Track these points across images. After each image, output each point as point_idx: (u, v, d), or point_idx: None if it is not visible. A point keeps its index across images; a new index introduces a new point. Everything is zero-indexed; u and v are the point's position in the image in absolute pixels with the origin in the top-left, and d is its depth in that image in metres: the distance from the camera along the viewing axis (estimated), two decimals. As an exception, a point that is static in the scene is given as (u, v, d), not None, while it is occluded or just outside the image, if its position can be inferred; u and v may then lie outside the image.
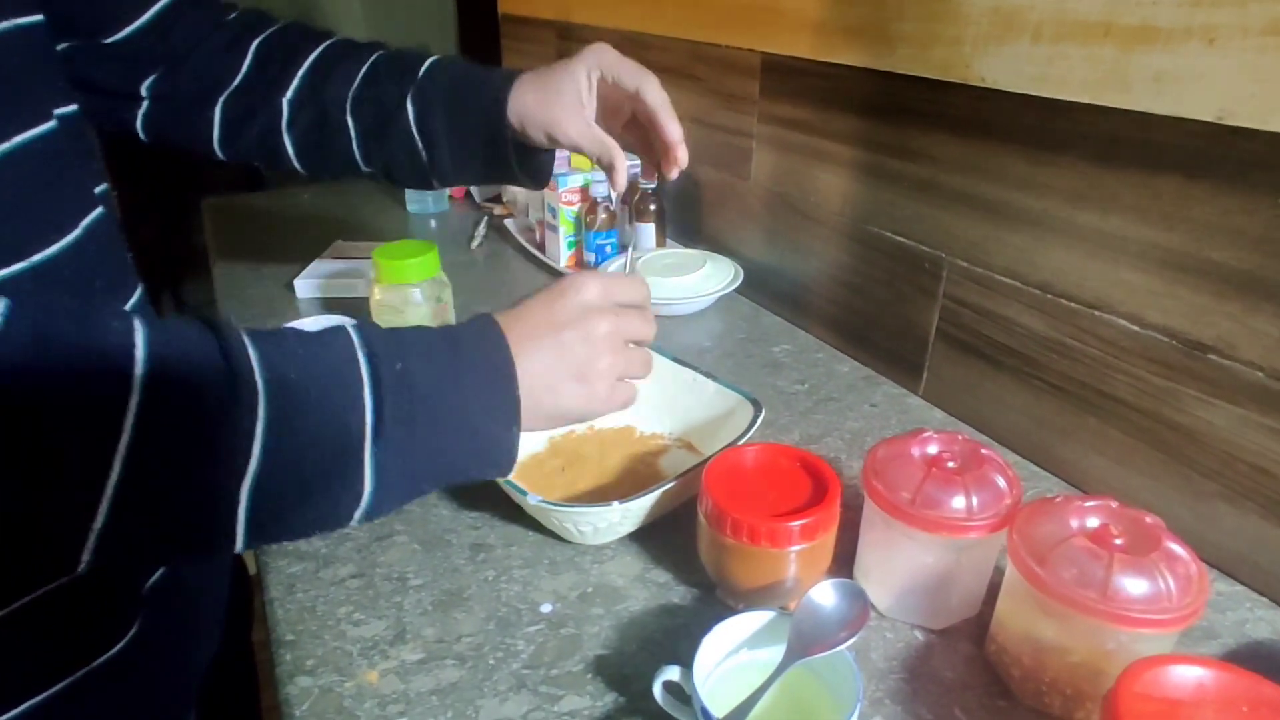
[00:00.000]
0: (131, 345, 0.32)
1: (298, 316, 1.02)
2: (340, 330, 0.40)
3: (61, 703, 0.47)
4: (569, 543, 0.62)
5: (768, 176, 0.98)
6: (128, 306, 0.52)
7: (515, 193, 1.35)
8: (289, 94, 0.68)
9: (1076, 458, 0.68)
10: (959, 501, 0.50)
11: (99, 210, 0.50)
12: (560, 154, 1.18)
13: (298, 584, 0.58)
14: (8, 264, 0.41)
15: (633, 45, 1.21)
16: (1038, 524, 0.48)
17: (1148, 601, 0.43)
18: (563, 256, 1.14)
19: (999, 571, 0.55)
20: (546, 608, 0.56)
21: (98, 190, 0.51)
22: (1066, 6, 0.61)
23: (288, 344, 0.38)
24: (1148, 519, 0.46)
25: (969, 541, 0.50)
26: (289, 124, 0.69)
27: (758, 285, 1.03)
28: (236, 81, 0.68)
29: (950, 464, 0.53)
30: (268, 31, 0.71)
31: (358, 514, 0.39)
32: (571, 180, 1.11)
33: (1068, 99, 0.62)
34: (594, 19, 1.32)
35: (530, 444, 0.72)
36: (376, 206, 1.47)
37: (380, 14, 2.89)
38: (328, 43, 0.71)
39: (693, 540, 0.58)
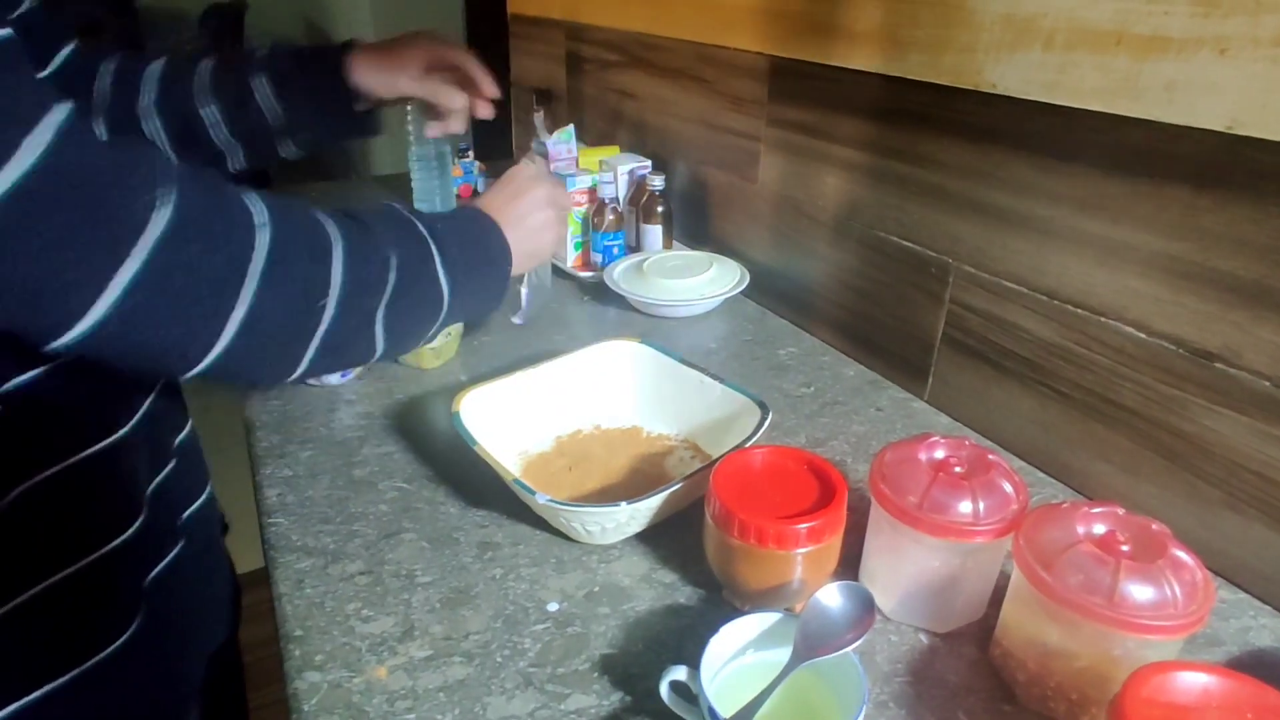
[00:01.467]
0: (325, 219, 0.49)
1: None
2: (393, 209, 0.55)
3: (66, 695, 0.47)
4: (576, 542, 0.62)
5: (775, 179, 0.99)
6: None
7: (522, 192, 1.35)
8: (145, 101, 0.70)
9: (1082, 464, 0.68)
10: (966, 506, 0.50)
11: None
12: (568, 155, 1.19)
13: (306, 580, 0.58)
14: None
15: (641, 47, 1.21)
16: (1044, 530, 0.48)
17: (1154, 608, 0.43)
18: (570, 256, 1.14)
19: (1004, 576, 0.55)
20: (553, 606, 0.56)
21: None
22: (1079, 15, 0.61)
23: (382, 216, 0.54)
24: (1154, 526, 0.47)
25: (975, 546, 0.50)
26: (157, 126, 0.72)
27: (764, 288, 1.04)
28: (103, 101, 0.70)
29: (957, 469, 0.53)
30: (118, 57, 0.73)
31: (442, 314, 0.55)
32: (580, 181, 1.11)
33: (1079, 107, 0.62)
34: (602, 20, 1.32)
35: (537, 444, 0.72)
36: (384, 204, 1.47)
37: (388, 13, 2.89)
38: (164, 58, 0.74)
39: (699, 541, 0.58)
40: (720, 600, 0.57)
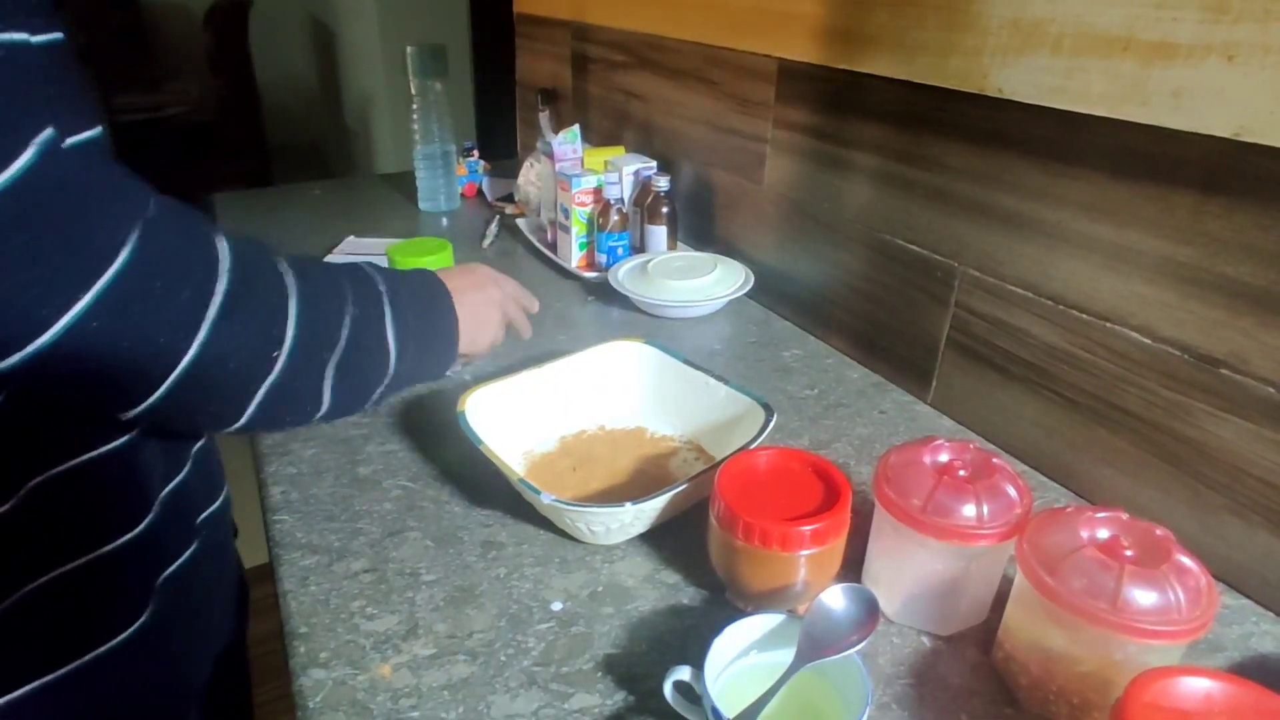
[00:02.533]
0: (285, 268, 0.50)
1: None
2: (357, 266, 0.57)
3: (69, 684, 0.48)
4: (580, 542, 0.62)
5: (781, 181, 0.99)
6: None
7: (528, 192, 1.36)
8: None
9: (1086, 469, 0.68)
10: (969, 510, 0.50)
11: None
12: (573, 155, 1.19)
13: (311, 577, 0.58)
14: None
15: (648, 48, 1.22)
16: (1048, 534, 0.48)
17: (1157, 613, 0.43)
18: (574, 257, 1.15)
19: (1007, 579, 0.55)
20: (557, 606, 0.57)
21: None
22: (1086, 20, 0.61)
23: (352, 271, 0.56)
24: (1158, 531, 0.47)
25: (978, 550, 0.51)
26: None
27: (769, 289, 1.04)
28: None
29: (961, 472, 0.53)
30: None
31: (388, 376, 0.56)
32: (585, 181, 1.11)
33: (1085, 112, 0.63)
34: (609, 20, 1.33)
35: (542, 444, 0.73)
36: (388, 204, 1.47)
37: (394, 13, 2.90)
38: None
39: (703, 542, 0.58)
40: (723, 601, 0.57)
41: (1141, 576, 0.44)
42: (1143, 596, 0.44)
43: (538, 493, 0.57)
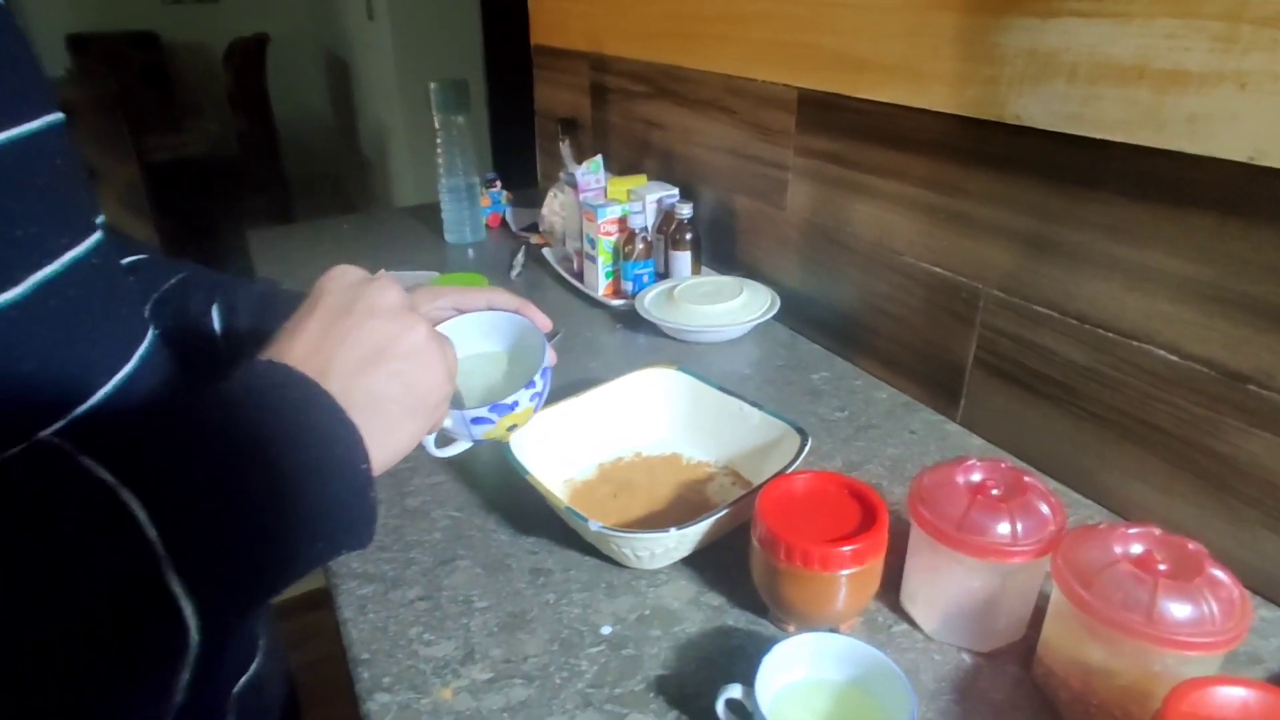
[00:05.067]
0: None
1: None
2: (53, 456, 0.31)
3: None
4: (625, 567, 0.65)
5: (804, 207, 1.02)
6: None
7: (552, 221, 1.40)
8: None
9: (1117, 484, 0.70)
10: (1004, 528, 0.53)
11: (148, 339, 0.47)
12: (596, 185, 1.23)
13: (369, 605, 0.61)
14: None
15: (667, 78, 1.26)
16: (1082, 550, 0.50)
17: (1193, 625, 0.45)
18: (600, 285, 1.18)
19: (1043, 596, 0.57)
20: (606, 629, 0.59)
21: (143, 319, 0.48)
22: (1100, 50, 0.64)
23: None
24: (1190, 545, 0.49)
25: (1014, 567, 0.53)
26: None
27: (795, 312, 1.07)
28: None
29: (994, 491, 0.56)
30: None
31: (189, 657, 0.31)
32: (610, 211, 1.15)
33: (1103, 137, 0.65)
34: (627, 51, 1.37)
35: (582, 472, 0.76)
36: (415, 236, 1.52)
37: (409, 46, 2.98)
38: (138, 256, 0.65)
39: (743, 564, 0.61)
40: (767, 621, 0.60)
41: (1176, 590, 0.46)
42: (1178, 609, 0.46)
43: (585, 520, 0.60)
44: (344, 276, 0.45)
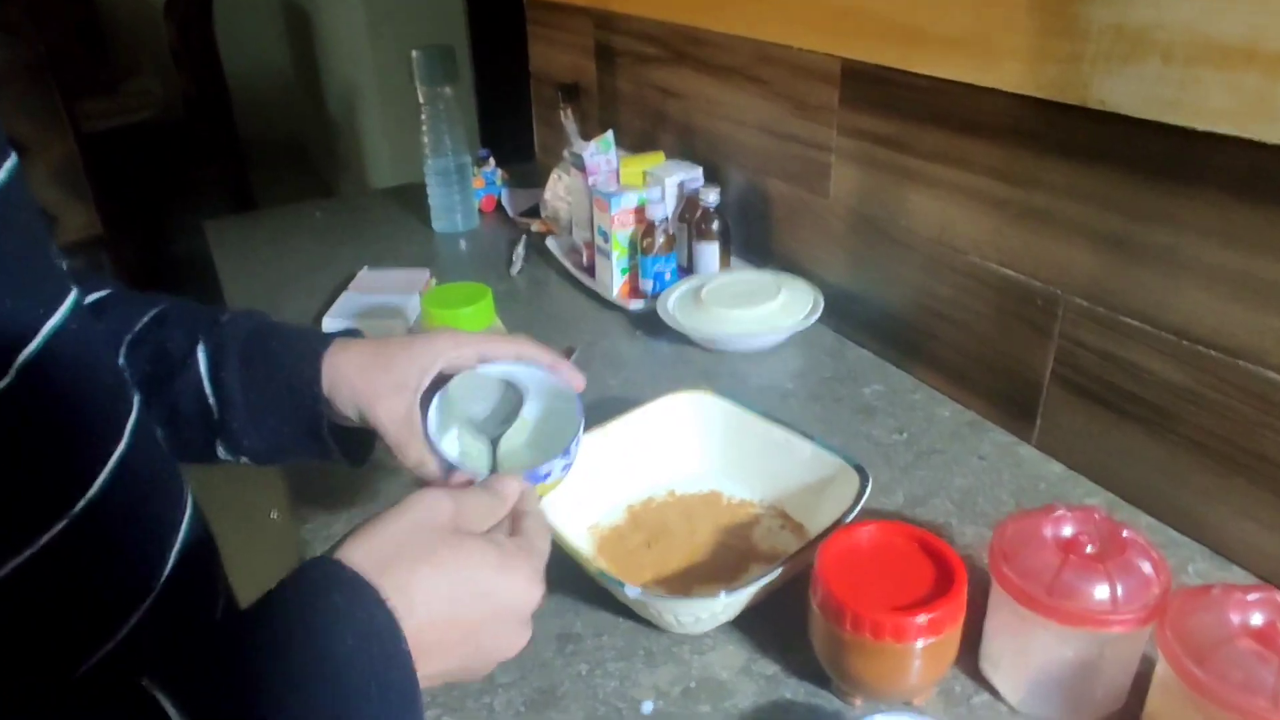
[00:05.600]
0: None
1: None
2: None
3: None
4: (663, 631, 0.66)
5: (850, 194, 1.02)
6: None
7: (556, 207, 1.39)
8: None
9: (1221, 521, 0.71)
10: (1101, 592, 0.53)
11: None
12: (607, 167, 1.23)
13: (379, 684, 0.62)
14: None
15: (686, 41, 1.25)
16: (1193, 619, 0.51)
17: (1322, 709, 0.45)
18: (615, 284, 1.18)
19: (1147, 659, 0.57)
20: (648, 707, 0.60)
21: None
22: (1199, 28, 0.63)
23: None
24: (1317, 614, 0.49)
25: (1114, 635, 0.53)
26: None
27: (841, 313, 1.07)
28: None
29: (1089, 548, 0.56)
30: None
31: None
32: (625, 200, 1.15)
33: (1204, 129, 0.65)
34: (638, 8, 1.36)
35: (608, 515, 0.76)
36: (398, 225, 1.52)
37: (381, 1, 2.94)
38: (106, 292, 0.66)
39: (799, 624, 0.61)
40: (829, 693, 0.61)
41: (1303, 669, 0.46)
42: (1305, 690, 0.46)
43: (621, 585, 0.61)
44: (488, 556, 0.46)
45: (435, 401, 0.62)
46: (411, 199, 1.58)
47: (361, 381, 0.62)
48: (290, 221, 1.56)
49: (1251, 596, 0.51)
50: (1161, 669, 0.52)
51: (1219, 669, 0.48)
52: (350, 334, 0.67)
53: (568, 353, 0.96)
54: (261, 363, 0.63)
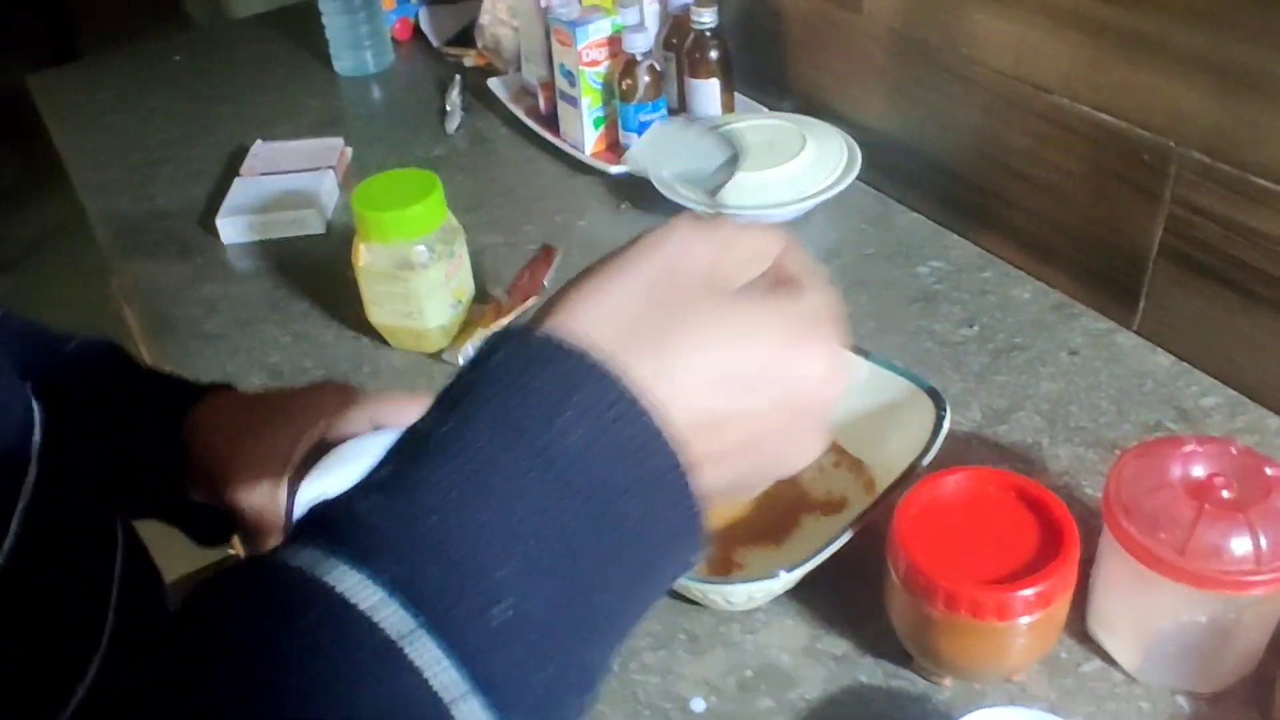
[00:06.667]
0: None
1: (231, 281, 1.06)
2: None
3: None
4: (705, 608, 0.69)
5: (892, 9, 0.99)
6: None
7: (496, 34, 1.34)
8: None
9: (1368, 424, 0.74)
10: (1242, 546, 0.56)
11: None
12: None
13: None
14: None
15: None
16: (1352, 575, 0.54)
17: None
18: (588, 140, 1.16)
19: (1285, 613, 0.62)
20: (699, 705, 0.64)
21: None
22: None
23: None
24: None
25: (1254, 598, 0.57)
26: None
27: (884, 168, 1.06)
28: None
29: (1225, 493, 0.59)
30: None
31: None
32: (593, 28, 1.11)
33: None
34: None
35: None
36: (289, 70, 1.46)
37: None
38: None
39: (868, 585, 0.65)
40: (911, 672, 0.65)
41: None
42: None
43: (658, 569, 0.63)
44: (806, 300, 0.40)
45: (308, 481, 0.61)
46: (300, 30, 1.52)
47: (222, 447, 0.62)
48: (142, 69, 1.50)
49: None
50: (1311, 633, 0.56)
51: (1384, 637, 0.51)
52: (220, 387, 0.67)
53: (547, 256, 0.95)
54: (102, 412, 0.63)
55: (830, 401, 0.40)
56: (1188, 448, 0.61)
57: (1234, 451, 0.61)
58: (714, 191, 0.61)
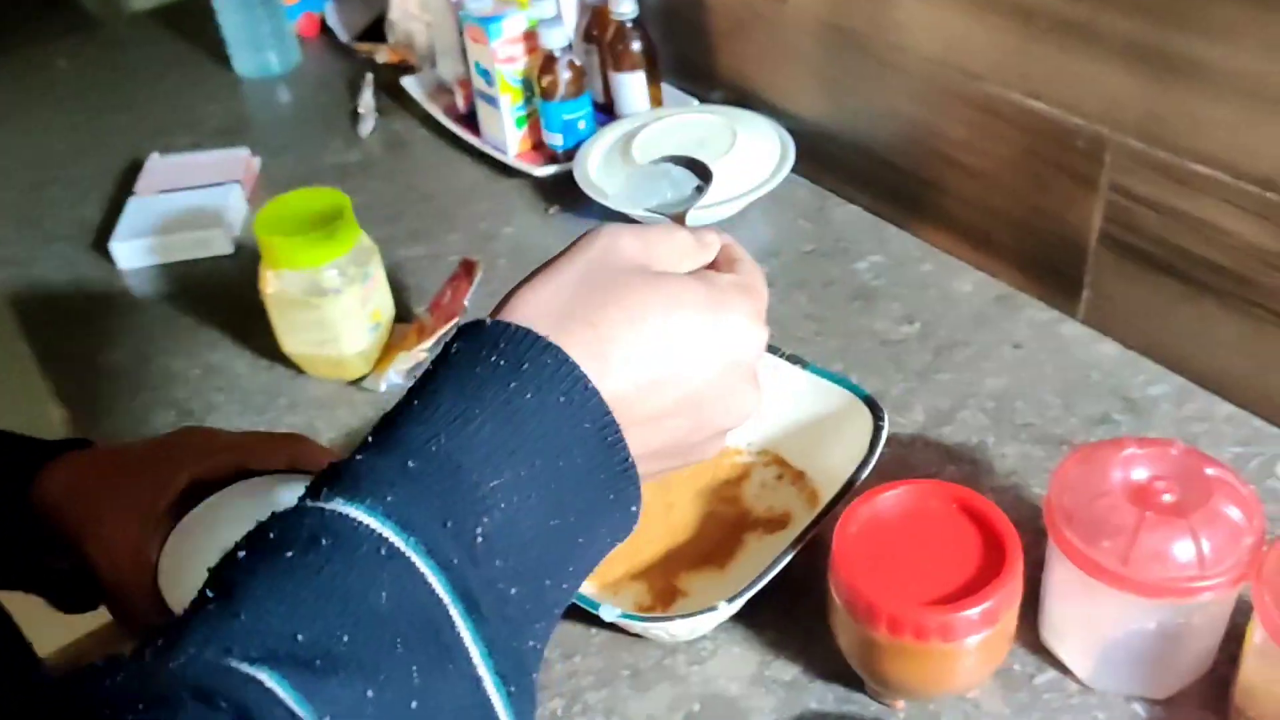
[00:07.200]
0: None
1: (130, 310, 1.05)
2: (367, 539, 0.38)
3: None
4: (650, 640, 0.70)
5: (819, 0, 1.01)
6: None
7: (409, 29, 1.34)
8: None
9: (1316, 409, 0.77)
10: (1185, 551, 0.58)
11: None
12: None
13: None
14: None
15: None
16: (1294, 575, 0.56)
17: None
18: (510, 141, 1.16)
19: (1242, 606, 0.64)
20: (645, 745, 0.65)
21: None
22: None
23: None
24: None
25: (1201, 602, 0.59)
26: None
27: (819, 159, 1.07)
28: None
29: (1167, 496, 0.61)
30: None
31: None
32: (507, 24, 1.11)
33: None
34: None
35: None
36: (184, 72, 1.45)
37: None
38: None
39: (814, 605, 0.66)
40: (864, 696, 0.66)
41: None
42: None
43: (596, 606, 0.64)
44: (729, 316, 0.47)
45: (175, 535, 0.60)
46: (195, 29, 1.50)
47: (78, 508, 0.61)
48: (24, 77, 1.47)
49: (1361, 542, 0.57)
50: (1259, 637, 0.58)
51: (1327, 639, 0.54)
52: (76, 444, 0.67)
53: (468, 272, 0.95)
54: None
55: (755, 354, 0.49)
56: (1128, 450, 0.63)
57: (1174, 453, 0.63)
58: (681, 217, 0.64)
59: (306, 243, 0.85)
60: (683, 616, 0.64)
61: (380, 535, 0.37)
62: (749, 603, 0.69)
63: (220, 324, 1.01)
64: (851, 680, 0.67)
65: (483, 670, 0.38)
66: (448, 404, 0.41)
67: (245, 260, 1.08)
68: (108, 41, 1.57)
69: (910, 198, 1.00)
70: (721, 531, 0.76)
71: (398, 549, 0.37)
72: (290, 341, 0.92)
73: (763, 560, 0.67)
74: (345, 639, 0.35)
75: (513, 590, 0.40)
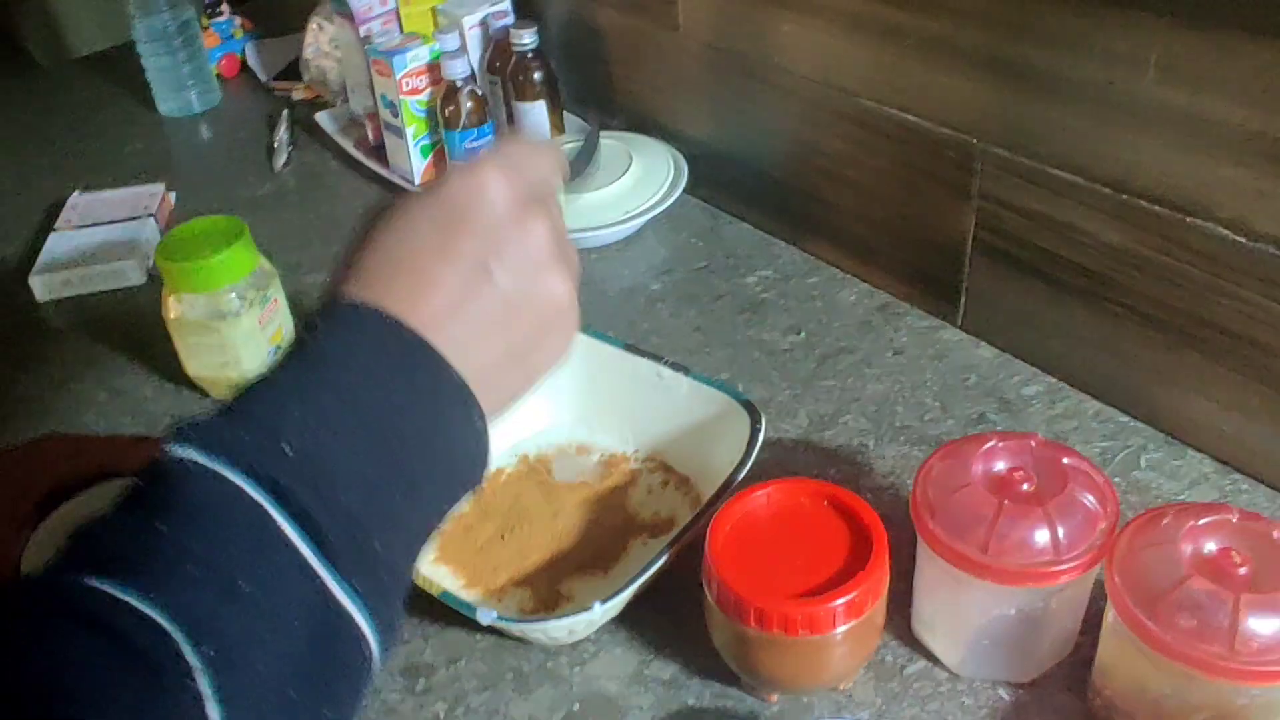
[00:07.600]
0: None
1: (45, 340, 1.01)
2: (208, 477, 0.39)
3: None
4: (533, 644, 0.67)
5: (705, 25, 1.00)
6: None
7: (321, 67, 1.31)
8: None
9: (1175, 402, 0.76)
10: (1042, 538, 0.57)
11: None
12: (381, 8, 1.15)
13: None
14: None
15: None
16: (1144, 558, 0.55)
17: (1285, 646, 0.51)
18: (416, 170, 1.14)
19: (1099, 598, 0.62)
20: (526, 747, 0.62)
21: None
22: None
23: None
24: (1276, 534, 0.54)
25: (1059, 588, 0.57)
26: None
27: (709, 179, 1.06)
28: None
29: (1025, 486, 0.59)
30: None
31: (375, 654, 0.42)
32: (411, 56, 1.09)
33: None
34: None
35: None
36: (111, 114, 1.41)
37: None
38: None
39: (692, 606, 0.64)
40: (739, 691, 0.64)
41: (1262, 605, 0.51)
42: (1264, 626, 0.51)
43: (473, 610, 0.61)
44: (488, 204, 0.47)
45: (36, 538, 0.58)
46: (122, 73, 1.47)
47: None
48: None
49: (1204, 520, 0.55)
50: (1112, 617, 0.57)
51: (1170, 617, 0.52)
52: None
53: None
54: None
55: (562, 264, 0.49)
56: (989, 444, 0.61)
57: (1034, 445, 0.61)
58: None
59: (205, 267, 0.82)
60: (557, 618, 0.61)
61: (195, 462, 0.38)
62: (631, 604, 0.67)
63: (130, 351, 0.98)
64: (727, 677, 0.64)
65: (315, 562, 0.39)
66: (293, 366, 0.43)
67: (156, 290, 1.04)
68: (36, 90, 1.53)
69: (797, 214, 0.99)
70: (607, 537, 0.73)
71: (208, 469, 0.38)
72: (193, 365, 0.88)
73: (645, 564, 0.65)
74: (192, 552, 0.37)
75: (340, 497, 0.40)
